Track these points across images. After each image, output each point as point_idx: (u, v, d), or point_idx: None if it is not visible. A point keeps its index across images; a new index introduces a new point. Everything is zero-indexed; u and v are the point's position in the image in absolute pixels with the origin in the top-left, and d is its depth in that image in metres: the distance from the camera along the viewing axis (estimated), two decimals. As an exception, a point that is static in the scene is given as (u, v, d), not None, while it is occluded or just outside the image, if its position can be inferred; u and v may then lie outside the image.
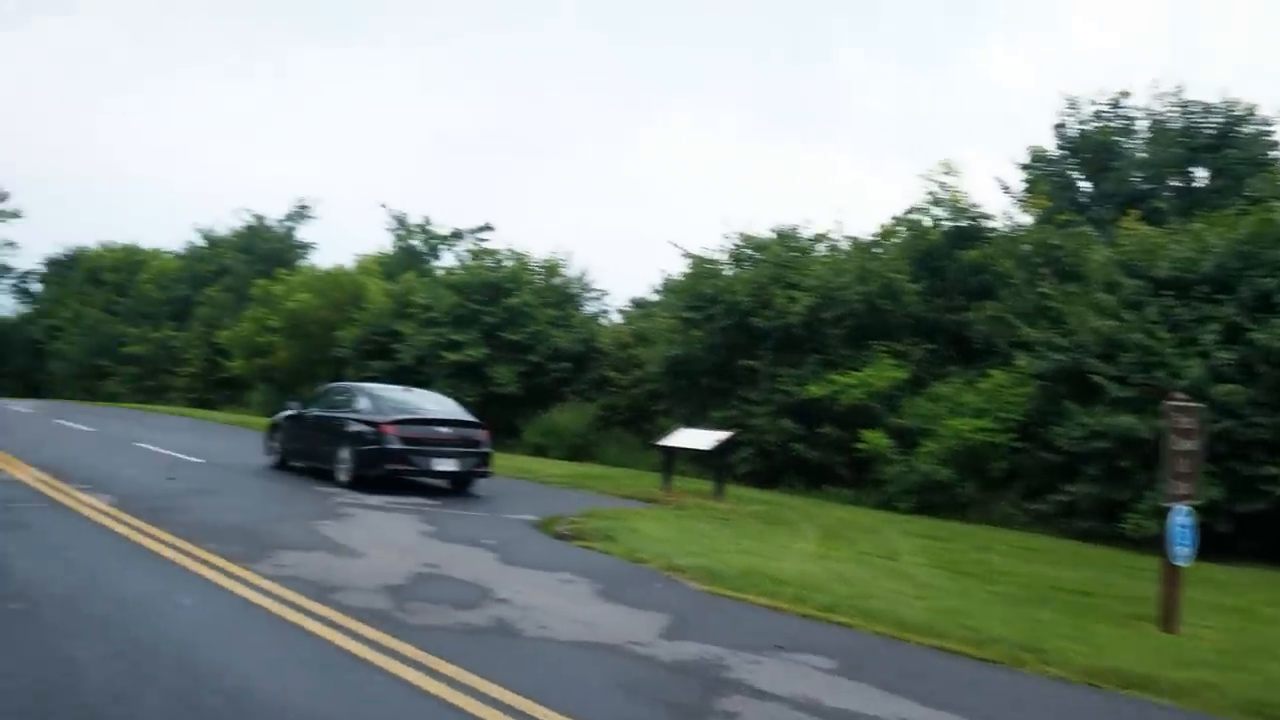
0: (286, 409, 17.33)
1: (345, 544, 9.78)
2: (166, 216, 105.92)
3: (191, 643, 6.00)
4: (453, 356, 27.62)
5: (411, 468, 14.60)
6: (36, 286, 69.76)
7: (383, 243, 54.41)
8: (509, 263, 30.25)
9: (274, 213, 51.89)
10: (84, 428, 24.11)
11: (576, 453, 25.00)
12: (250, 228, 50.65)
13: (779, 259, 21.75)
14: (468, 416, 16.01)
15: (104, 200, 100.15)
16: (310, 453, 16.15)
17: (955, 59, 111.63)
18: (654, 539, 11.42)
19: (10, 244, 66.63)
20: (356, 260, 38.72)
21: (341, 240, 79.01)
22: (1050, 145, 26.48)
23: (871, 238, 23.66)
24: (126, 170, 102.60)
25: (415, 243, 49.16)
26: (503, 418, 24.70)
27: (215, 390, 45.71)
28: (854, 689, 6.05)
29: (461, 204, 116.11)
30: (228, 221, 57.26)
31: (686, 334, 22.74)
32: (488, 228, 48.56)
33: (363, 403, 15.44)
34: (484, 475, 15.42)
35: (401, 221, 49.43)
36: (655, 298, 46.26)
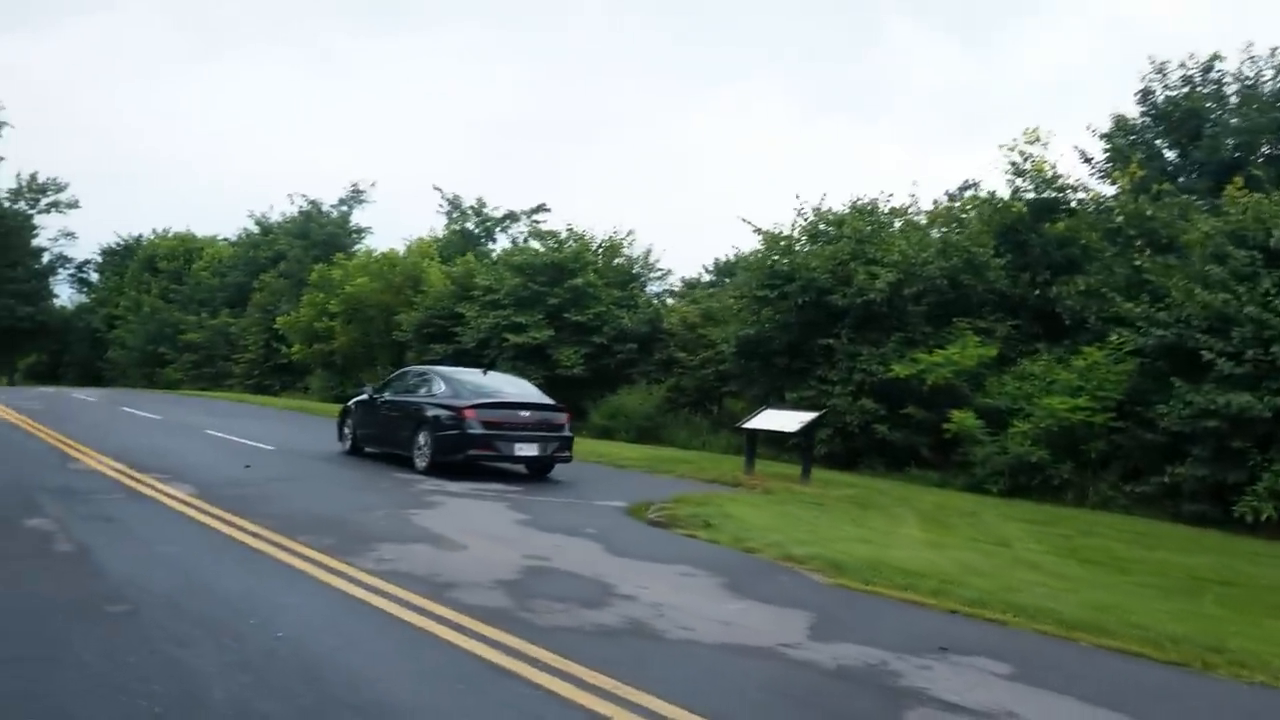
0: (359, 394, 16.91)
1: (443, 534, 9.27)
2: (220, 204, 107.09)
3: (310, 648, 5.48)
4: (516, 339, 27.16)
5: (494, 453, 14.10)
6: (94, 276, 70.56)
7: (435, 226, 54.35)
8: (571, 243, 29.63)
9: (329, 198, 51.79)
10: (150, 415, 23.97)
11: (644, 435, 24.46)
12: (305, 213, 50.58)
13: (859, 234, 20.93)
14: (547, 399, 15.49)
15: (158, 189, 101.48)
16: (385, 438, 15.72)
17: (1008, 29, 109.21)
18: (756, 526, 10.81)
19: (69, 234, 67.46)
20: (412, 243, 38.30)
21: (395, 225, 79.26)
22: (1133, 113, 25.35)
23: (949, 209, 22.77)
24: (180, 159, 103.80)
25: (469, 225, 48.87)
26: (568, 400, 24.14)
27: (273, 376, 45.79)
28: (1048, 700, 5.40)
29: (511, 188, 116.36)
30: (282, 208, 57.45)
31: (759, 313, 22.02)
32: (543, 209, 48.18)
33: (439, 387, 14.96)
34: (565, 460, 14.88)
35: (455, 204, 49.18)
36: (708, 278, 45.58)
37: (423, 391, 15.21)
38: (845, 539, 10.46)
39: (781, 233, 22.38)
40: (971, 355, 18.87)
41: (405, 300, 34.22)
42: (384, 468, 14.95)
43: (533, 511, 11.30)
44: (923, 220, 23.56)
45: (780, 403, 21.71)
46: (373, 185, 53.83)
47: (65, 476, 12.25)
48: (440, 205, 48.94)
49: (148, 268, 61.60)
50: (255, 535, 8.68)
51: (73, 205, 63.59)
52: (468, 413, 13.95)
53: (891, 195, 23.66)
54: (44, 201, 63.04)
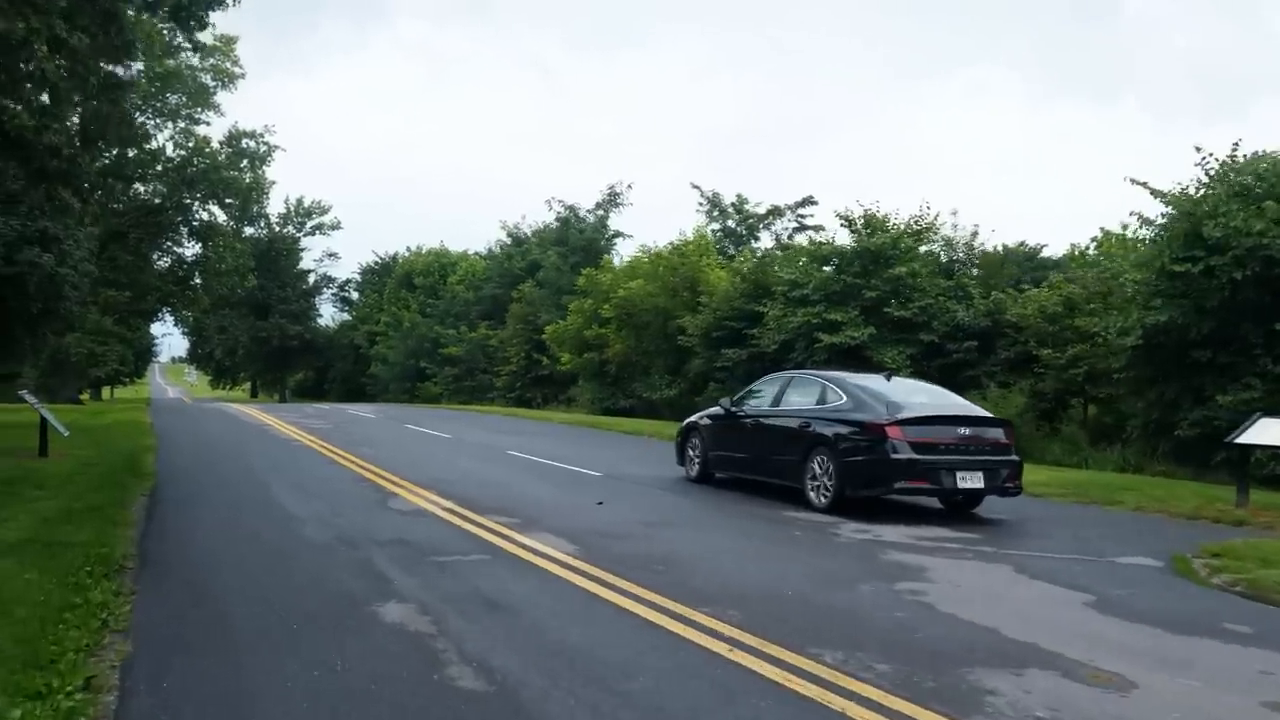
0: (714, 407, 13.58)
1: (1038, 644, 5.54)
2: (469, 219, 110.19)
3: None
4: (830, 339, 23.31)
5: (931, 486, 10.34)
6: (355, 295, 72.38)
7: (684, 229, 51.50)
8: (880, 231, 25.36)
9: (585, 203, 49.89)
10: (438, 433, 21.77)
11: (1000, 451, 20.07)
12: (563, 219, 48.82)
13: (1333, 182, 15.83)
14: (984, 412, 11.59)
15: (410, 209, 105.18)
16: (755, 464, 12.27)
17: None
18: None
19: (332, 255, 69.48)
20: (687, 242, 35.10)
21: (644, 231, 77.77)
22: None
23: None
24: (428, 180, 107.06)
25: (730, 223, 45.70)
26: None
27: (535, 388, 44.06)
28: None
29: (749, 189, 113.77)
30: (534, 218, 56.51)
31: (1173, 294, 17.25)
32: (810, 201, 44.37)
33: (836, 397, 11.32)
34: (1015, 493, 10.92)
35: (715, 202, 46.05)
36: (976, 272, 40.18)
37: (810, 403, 11.63)
38: None
39: (1198, 193, 17.52)
40: None
41: (683, 303, 31.13)
42: (760, 502, 11.52)
43: (1069, 582, 7.45)
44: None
45: (1196, 406, 17.04)
46: (629, 188, 51.55)
47: (393, 522, 9.45)
48: (700, 204, 45.92)
49: (405, 284, 62.13)
50: (735, 644, 5.28)
51: (335, 227, 65.28)
52: (891, 431, 10.24)
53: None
54: (309, 224, 64.93)
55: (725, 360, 27.13)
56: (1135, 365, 18.56)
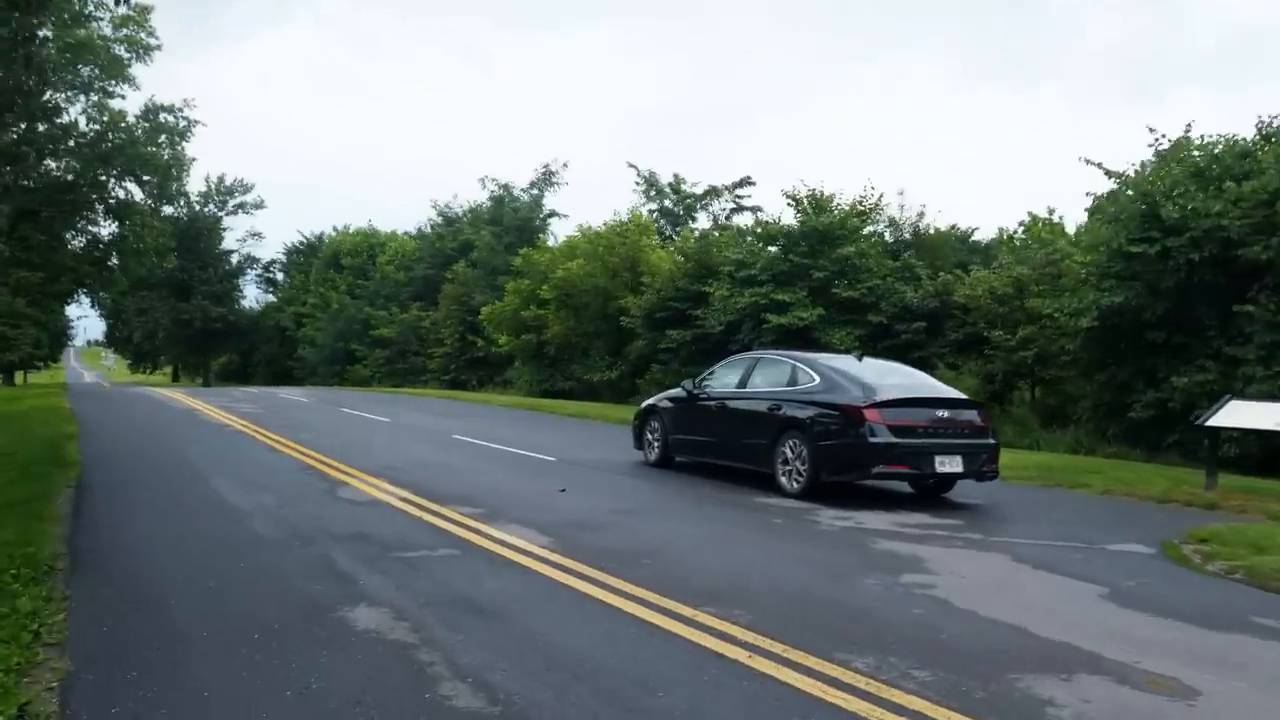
0: (675, 389, 13.10)
1: (1051, 638, 5.16)
2: (396, 199, 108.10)
3: None
4: (778, 319, 23.01)
5: (910, 471, 10.01)
6: (280, 276, 70.35)
7: (619, 210, 50.82)
8: (829, 210, 25.11)
9: (519, 182, 48.93)
10: (377, 417, 20.96)
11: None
12: (497, 198, 47.80)
13: (1287, 164, 15.81)
14: (959, 394, 11.25)
15: (339, 187, 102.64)
16: (721, 448, 11.82)
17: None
18: None
19: (255, 235, 67.24)
20: (624, 221, 34.47)
21: (576, 212, 76.67)
22: None
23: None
24: (354, 159, 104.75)
25: (668, 203, 45.21)
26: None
27: (469, 370, 43.18)
28: None
29: (685, 167, 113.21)
30: (465, 197, 55.31)
31: (1125, 275, 17.21)
32: (748, 182, 44.15)
33: (808, 378, 10.90)
34: (992, 477, 10.64)
35: (651, 182, 45.52)
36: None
37: (779, 385, 11.21)
38: None
39: (1147, 173, 17.49)
40: None
41: (624, 283, 30.60)
42: (727, 488, 11.08)
43: (1072, 571, 7.14)
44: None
45: (1152, 388, 17.11)
46: (564, 166, 50.61)
47: (347, 513, 8.80)
48: (636, 183, 45.36)
49: (332, 265, 60.52)
50: (753, 649, 4.80)
51: (259, 206, 63.12)
52: (869, 414, 9.86)
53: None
54: (231, 203, 62.74)
55: (669, 341, 26.69)
56: (1089, 347, 18.53)
